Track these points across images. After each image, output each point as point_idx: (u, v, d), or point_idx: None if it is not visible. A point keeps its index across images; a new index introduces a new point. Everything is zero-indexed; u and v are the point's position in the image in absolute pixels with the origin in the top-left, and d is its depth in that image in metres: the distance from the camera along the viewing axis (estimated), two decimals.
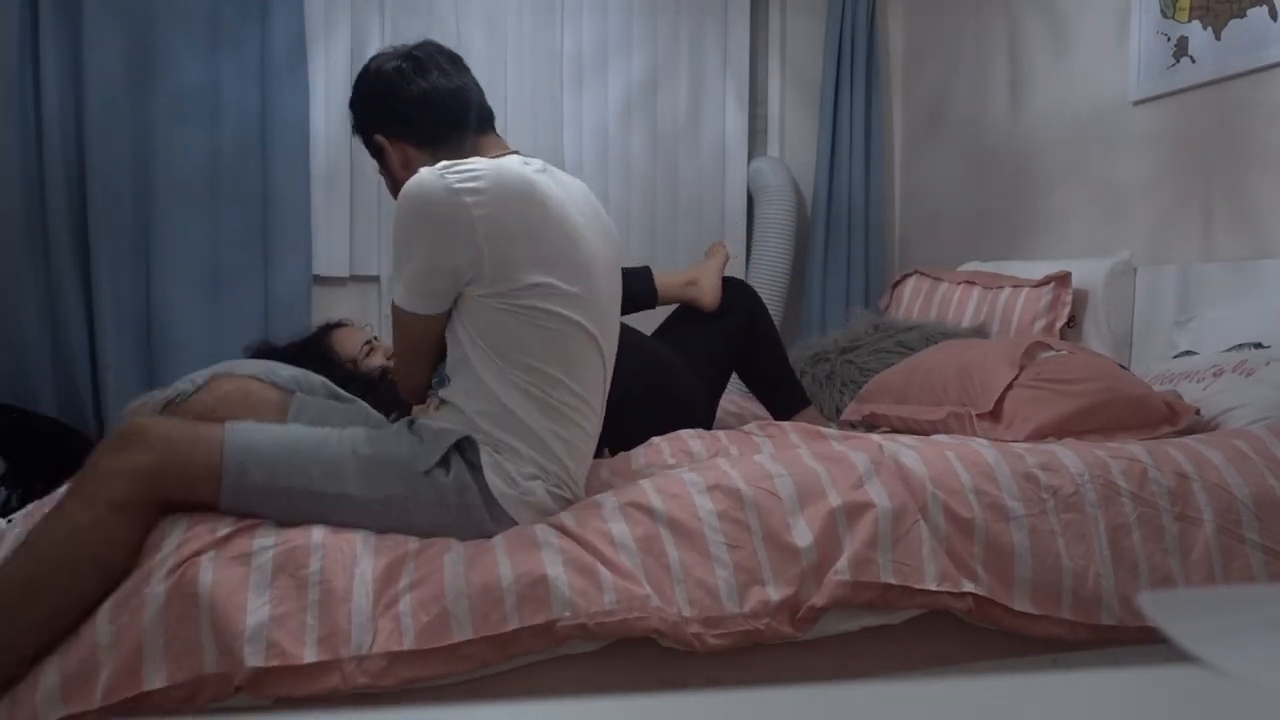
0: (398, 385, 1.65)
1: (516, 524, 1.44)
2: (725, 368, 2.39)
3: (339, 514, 1.40)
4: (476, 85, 1.64)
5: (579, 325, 1.49)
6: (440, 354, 1.56)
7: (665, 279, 2.39)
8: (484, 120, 1.63)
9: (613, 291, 1.61)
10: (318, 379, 1.96)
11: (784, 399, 2.39)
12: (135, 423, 1.37)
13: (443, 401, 1.53)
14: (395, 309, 1.51)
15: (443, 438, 1.44)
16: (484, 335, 1.45)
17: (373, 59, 1.64)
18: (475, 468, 1.43)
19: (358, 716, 0.37)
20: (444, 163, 1.44)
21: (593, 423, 1.56)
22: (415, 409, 1.72)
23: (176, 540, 1.32)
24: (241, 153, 3.11)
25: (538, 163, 1.55)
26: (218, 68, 3.08)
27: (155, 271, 3.03)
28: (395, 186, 1.59)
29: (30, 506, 1.48)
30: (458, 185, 1.40)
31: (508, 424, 1.46)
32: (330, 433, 1.46)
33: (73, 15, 2.91)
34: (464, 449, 1.44)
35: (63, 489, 1.48)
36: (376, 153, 1.65)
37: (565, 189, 1.55)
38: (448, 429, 1.45)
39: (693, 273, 2.41)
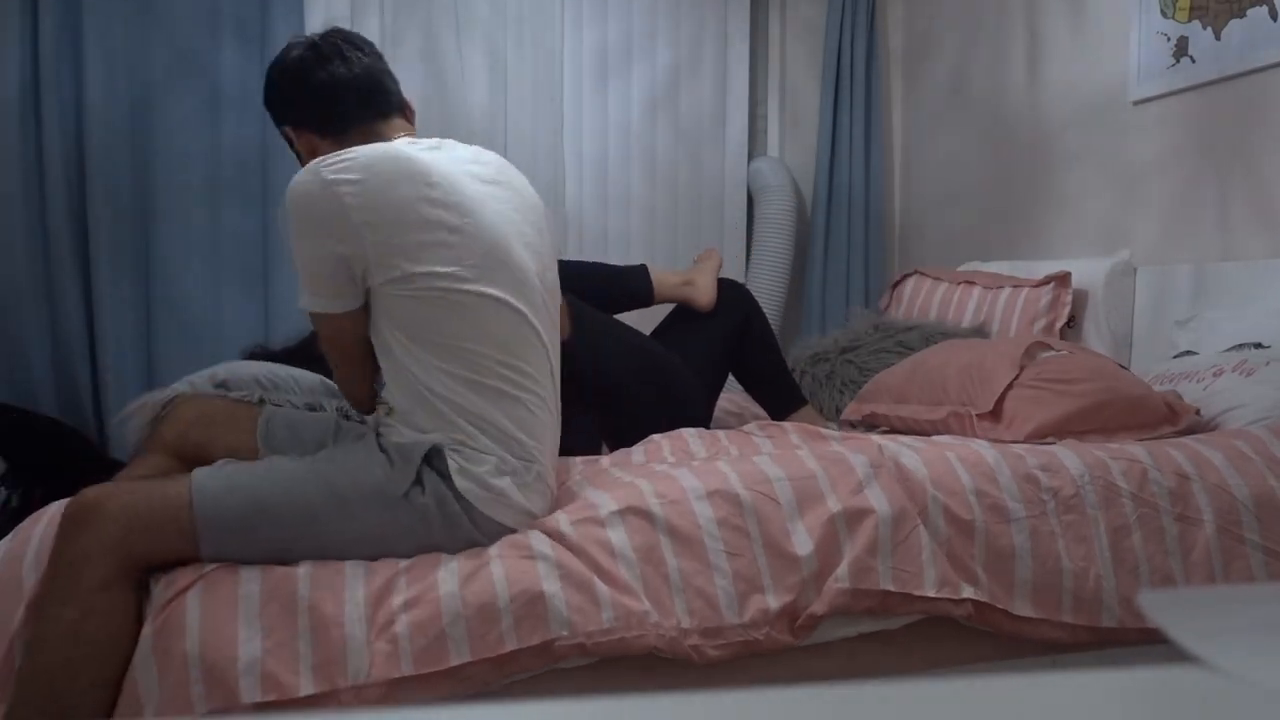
0: (346, 399, 1.59)
1: (501, 526, 1.40)
2: (722, 368, 2.38)
3: (324, 554, 1.36)
4: (383, 69, 1.61)
5: (494, 299, 1.43)
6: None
7: (662, 277, 2.38)
8: (388, 106, 1.60)
9: (537, 262, 1.53)
10: (315, 378, 1.96)
11: (780, 399, 2.39)
12: (86, 498, 1.30)
13: (391, 408, 1.47)
14: (310, 315, 1.46)
15: (411, 454, 1.38)
16: (399, 326, 1.41)
17: (282, 50, 1.62)
18: (446, 476, 1.38)
19: (357, 718, 0.37)
20: (323, 155, 1.41)
21: (544, 397, 1.49)
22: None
23: (166, 579, 1.30)
24: (241, 152, 3.11)
25: (430, 141, 1.50)
26: (218, 67, 3.08)
27: (155, 272, 3.02)
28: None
29: (16, 530, 1.44)
30: (331, 177, 1.37)
31: (452, 414, 1.39)
32: (300, 468, 1.40)
33: (73, 14, 2.91)
34: (432, 459, 1.39)
35: (54, 508, 1.45)
36: (289, 143, 1.63)
37: (462, 163, 1.49)
38: (412, 442, 1.39)
39: (686, 274, 2.41)
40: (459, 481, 1.38)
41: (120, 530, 1.28)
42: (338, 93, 1.55)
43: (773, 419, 2.31)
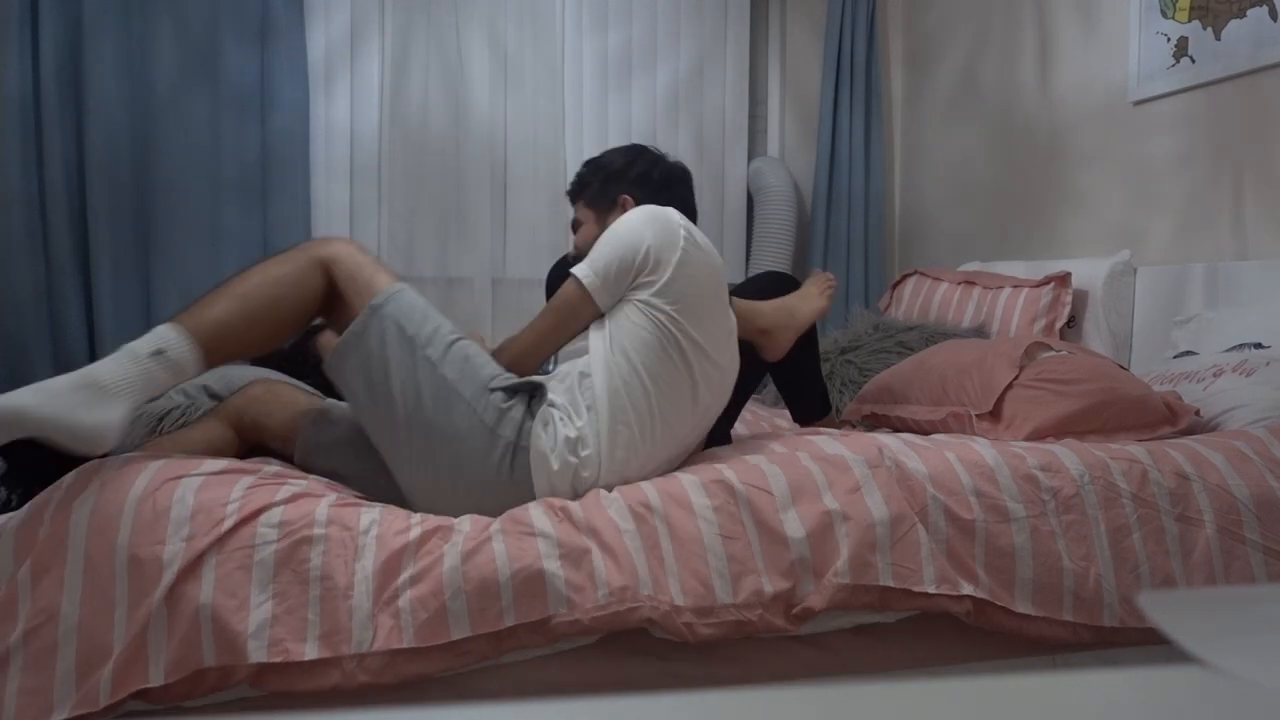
0: (510, 351, 1.73)
1: (531, 484, 1.51)
2: (752, 387, 2.18)
3: (407, 375, 1.52)
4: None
5: (693, 375, 1.61)
6: (558, 347, 1.73)
7: (742, 312, 1.92)
8: None
9: (733, 366, 1.73)
10: (307, 389, 1.97)
11: (807, 407, 2.23)
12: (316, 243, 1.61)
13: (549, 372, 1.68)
14: (574, 287, 1.64)
15: (522, 386, 1.59)
16: (621, 328, 1.60)
17: (656, 153, 2.04)
18: (530, 415, 1.54)
19: (357, 717, 0.37)
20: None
21: (651, 452, 1.59)
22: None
23: (183, 536, 1.32)
24: (242, 153, 3.11)
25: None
26: (219, 68, 3.08)
27: (155, 272, 3.03)
28: (588, 243, 1.79)
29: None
30: (685, 227, 1.65)
31: (582, 399, 1.57)
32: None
33: (74, 14, 2.91)
34: (533, 397, 1.57)
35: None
36: (609, 207, 1.94)
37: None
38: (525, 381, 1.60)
39: (773, 318, 2.00)
40: (536, 427, 1.53)
41: (340, 251, 1.58)
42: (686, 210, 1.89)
43: (794, 420, 2.25)
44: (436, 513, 1.47)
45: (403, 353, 1.53)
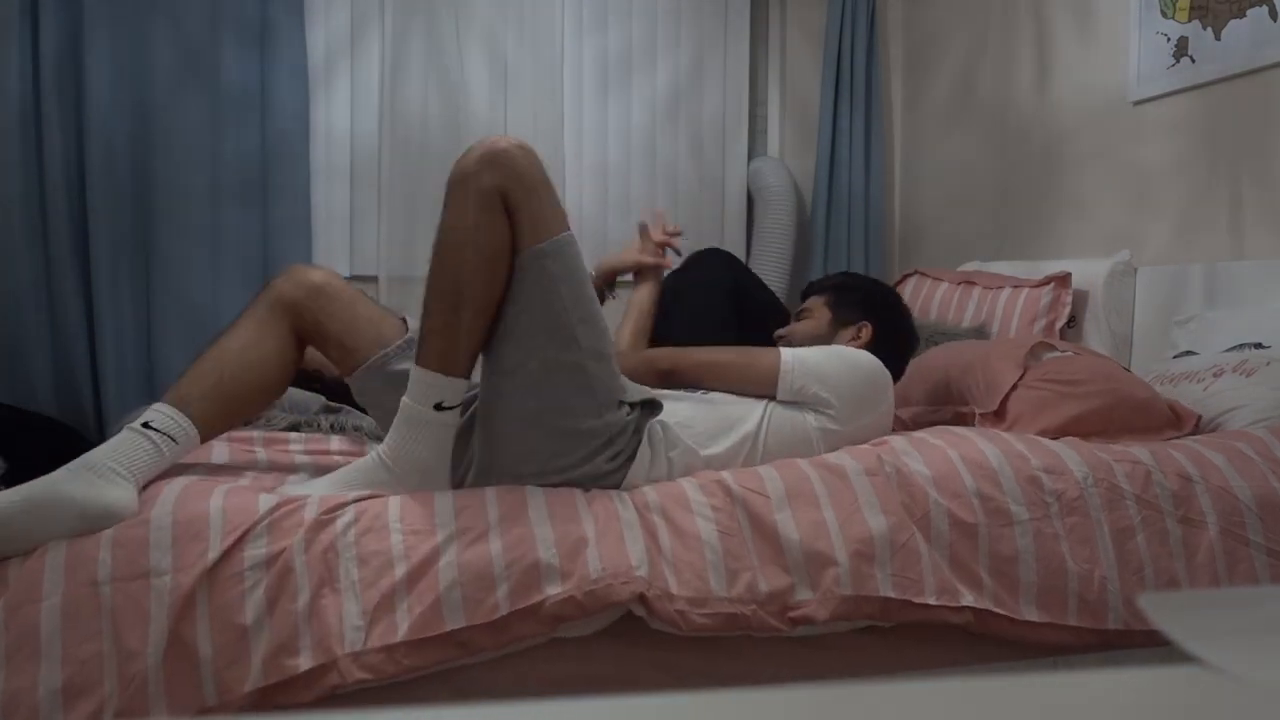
0: (687, 361, 1.80)
1: (627, 461, 1.55)
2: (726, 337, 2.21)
3: (542, 342, 1.50)
4: None
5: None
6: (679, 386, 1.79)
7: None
8: None
9: None
10: (312, 396, 1.96)
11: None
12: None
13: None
14: (775, 360, 1.71)
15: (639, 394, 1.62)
16: (772, 412, 1.69)
17: (907, 308, 2.10)
18: (639, 431, 1.57)
19: (357, 717, 0.36)
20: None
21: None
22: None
23: (168, 567, 1.29)
24: (242, 153, 3.11)
25: None
26: (218, 68, 3.08)
27: (155, 272, 3.02)
28: (804, 336, 1.96)
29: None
30: (889, 406, 1.76)
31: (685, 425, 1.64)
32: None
33: (74, 15, 2.91)
34: (645, 411, 1.60)
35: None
36: (850, 322, 1.96)
37: None
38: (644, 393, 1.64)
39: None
40: (654, 427, 1.58)
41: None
42: (909, 348, 2.02)
43: None
44: (510, 456, 1.49)
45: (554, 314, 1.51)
